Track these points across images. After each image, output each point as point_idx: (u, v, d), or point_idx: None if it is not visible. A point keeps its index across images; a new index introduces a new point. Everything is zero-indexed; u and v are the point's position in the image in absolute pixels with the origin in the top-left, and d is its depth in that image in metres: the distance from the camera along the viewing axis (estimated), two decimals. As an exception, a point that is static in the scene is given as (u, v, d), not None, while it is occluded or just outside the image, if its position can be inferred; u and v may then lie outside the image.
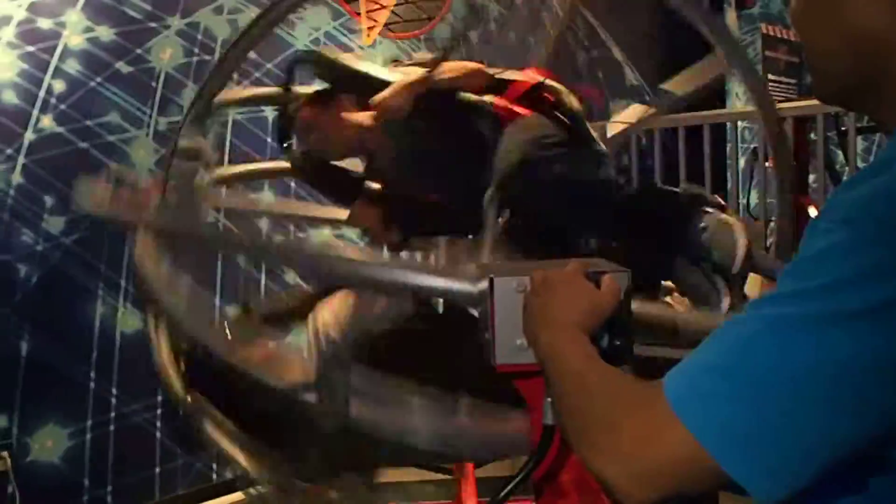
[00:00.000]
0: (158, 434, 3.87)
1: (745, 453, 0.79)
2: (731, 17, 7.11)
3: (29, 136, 3.48)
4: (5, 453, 3.39)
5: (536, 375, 1.22)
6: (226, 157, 4.09)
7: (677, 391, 0.83)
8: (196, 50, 4.03)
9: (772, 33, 7.51)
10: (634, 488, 0.83)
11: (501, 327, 1.30)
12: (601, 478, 0.85)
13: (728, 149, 4.86)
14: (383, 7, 4.74)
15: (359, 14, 4.69)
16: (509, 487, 1.22)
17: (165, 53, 3.94)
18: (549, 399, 1.23)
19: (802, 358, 0.78)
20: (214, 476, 4.00)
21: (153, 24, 3.90)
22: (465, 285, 1.63)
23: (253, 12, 4.28)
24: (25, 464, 3.47)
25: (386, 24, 4.76)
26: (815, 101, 4.15)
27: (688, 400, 0.82)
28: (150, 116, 3.87)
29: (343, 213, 2.68)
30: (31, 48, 3.49)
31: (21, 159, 3.45)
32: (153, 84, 3.89)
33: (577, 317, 1.09)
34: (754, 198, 4.28)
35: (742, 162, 5.16)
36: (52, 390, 3.56)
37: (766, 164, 4.30)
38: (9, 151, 3.42)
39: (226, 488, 3.87)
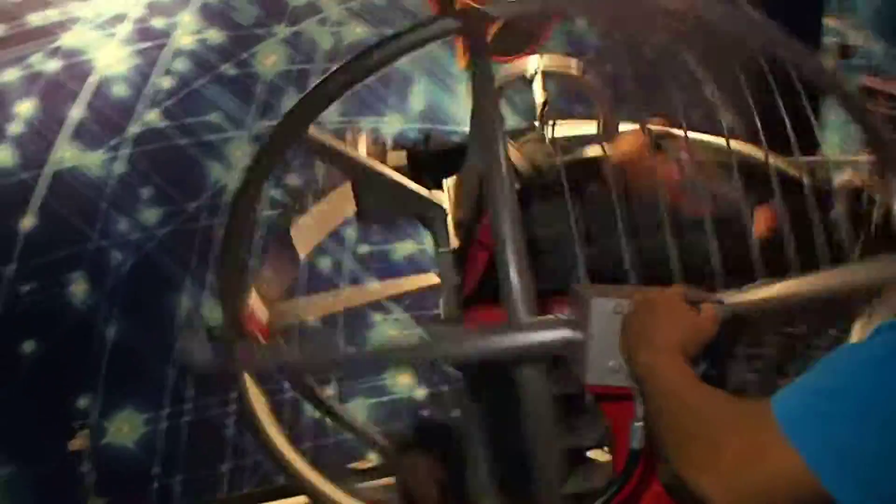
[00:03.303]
0: (230, 431, 3.92)
1: (854, 478, 0.79)
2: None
3: (133, 129, 3.59)
4: (84, 434, 3.48)
5: (625, 399, 1.25)
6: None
7: (788, 411, 0.84)
8: (298, 58, 4.11)
9: (872, 85, 7.32)
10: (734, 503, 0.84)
11: (595, 347, 1.30)
12: (698, 492, 0.86)
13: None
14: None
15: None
16: (594, 510, 1.22)
17: (269, 59, 4.03)
18: (638, 423, 1.24)
19: None
20: (280, 477, 4.04)
21: (260, 31, 3.99)
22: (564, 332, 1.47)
23: (357, 26, 4.36)
24: (102, 445, 3.55)
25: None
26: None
27: (799, 420, 0.83)
28: (250, 119, 3.96)
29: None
30: (143, 45, 3.61)
31: (124, 151, 3.56)
32: (255, 88, 3.98)
33: (677, 340, 1.10)
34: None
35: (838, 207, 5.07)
36: (132, 376, 3.65)
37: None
38: (113, 142, 3.54)
39: (292, 490, 3.90)
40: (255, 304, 2.24)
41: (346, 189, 2.37)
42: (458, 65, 4.71)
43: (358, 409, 4.19)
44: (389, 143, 2.52)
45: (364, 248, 4.20)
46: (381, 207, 2.43)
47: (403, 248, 4.11)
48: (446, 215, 2.29)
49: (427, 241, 2.79)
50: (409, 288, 2.77)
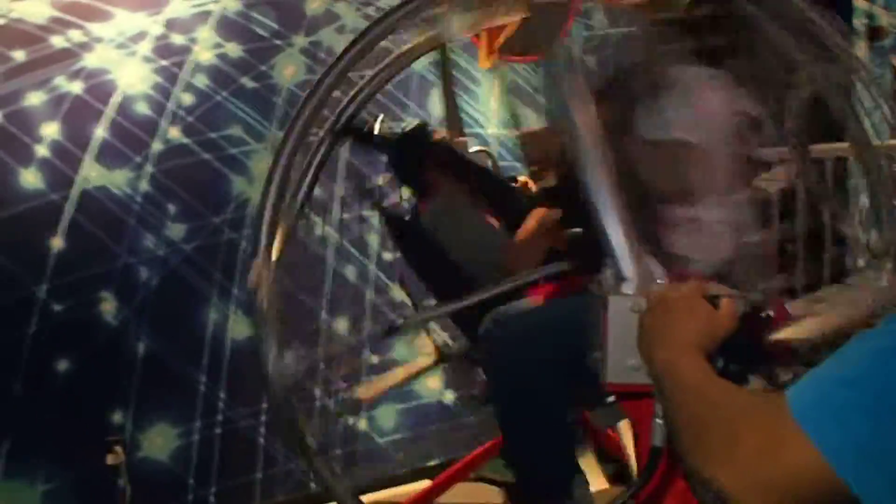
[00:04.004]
0: (262, 440, 3.95)
1: (871, 471, 0.78)
2: (861, 49, 6.87)
3: (157, 146, 3.63)
4: (119, 448, 3.52)
5: (646, 397, 1.24)
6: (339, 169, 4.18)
7: (802, 402, 0.83)
8: (317, 68, 4.13)
9: (903, 67, 7.19)
10: (752, 500, 0.83)
11: (614, 346, 1.31)
12: (717, 488, 0.85)
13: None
14: (501, 30, 4.76)
15: (477, 37, 4.72)
16: (616, 504, 1.22)
17: (288, 70, 4.06)
18: (659, 420, 1.26)
19: None
20: (312, 485, 4.06)
21: (278, 42, 4.02)
22: None
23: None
24: (137, 459, 3.60)
25: (502, 48, 4.77)
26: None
27: (813, 412, 0.82)
28: (271, 131, 3.98)
29: None
30: (164, 62, 3.66)
31: (149, 168, 3.61)
32: (275, 99, 4.01)
33: (694, 337, 1.09)
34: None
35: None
36: (164, 390, 3.69)
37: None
38: (138, 160, 3.58)
39: (323, 497, 3.92)
40: None
41: None
42: (481, 65, 4.71)
43: (387, 416, 4.21)
44: None
45: (388, 255, 4.22)
46: None
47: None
48: None
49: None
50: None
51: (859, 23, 7.03)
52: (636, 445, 1.31)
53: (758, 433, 0.84)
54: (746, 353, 1.18)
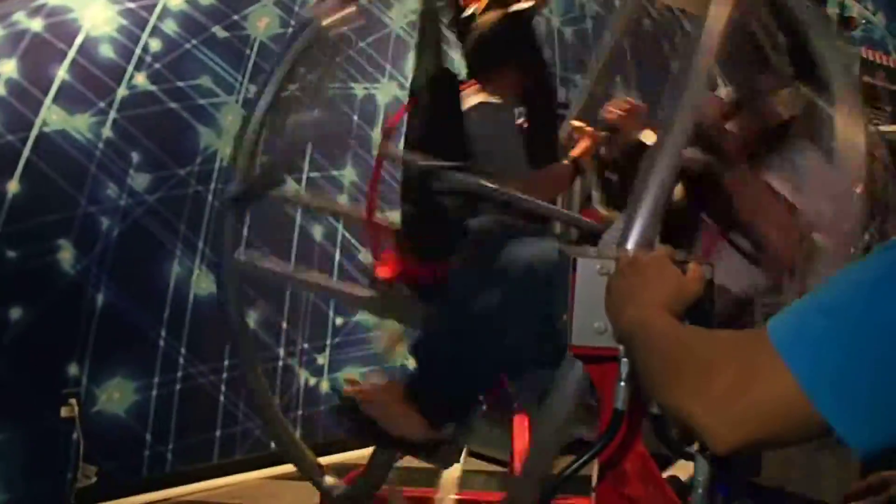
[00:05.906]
0: (222, 398, 3.90)
1: (845, 401, 0.77)
2: (831, 39, 6.91)
3: (122, 91, 3.53)
4: (73, 401, 3.45)
5: (609, 361, 1.26)
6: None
7: (783, 330, 0.82)
8: (292, 21, 4.04)
9: (871, 58, 7.23)
10: (725, 431, 0.82)
11: (580, 308, 1.30)
12: (691, 421, 0.84)
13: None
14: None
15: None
16: (575, 466, 1.25)
17: (262, 22, 3.96)
18: (621, 384, 1.25)
19: None
20: (272, 444, 4.02)
21: (252, -8, 3.93)
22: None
23: (351, -12, 4.28)
24: (92, 413, 3.53)
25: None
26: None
27: (792, 340, 0.81)
28: (241, 83, 3.89)
29: None
30: (131, 5, 3.55)
31: (112, 114, 3.51)
32: (247, 51, 3.91)
33: (662, 299, 1.09)
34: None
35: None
36: (122, 344, 3.62)
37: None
38: (101, 105, 3.48)
39: (281, 457, 3.88)
40: None
41: None
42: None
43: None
44: None
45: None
46: None
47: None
48: None
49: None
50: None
51: (831, 13, 7.05)
52: (599, 409, 1.31)
53: (734, 364, 0.83)
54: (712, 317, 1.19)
